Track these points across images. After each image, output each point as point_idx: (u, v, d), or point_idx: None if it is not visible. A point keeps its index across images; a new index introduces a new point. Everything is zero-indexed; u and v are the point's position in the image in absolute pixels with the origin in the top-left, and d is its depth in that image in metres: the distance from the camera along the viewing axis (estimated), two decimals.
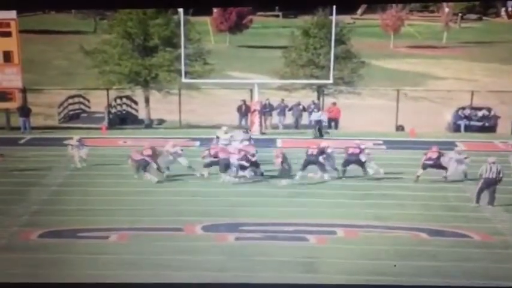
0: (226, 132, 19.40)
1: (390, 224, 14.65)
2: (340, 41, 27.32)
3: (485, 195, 15.76)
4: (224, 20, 41.06)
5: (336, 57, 25.61)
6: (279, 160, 17.49)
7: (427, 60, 38.61)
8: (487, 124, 25.97)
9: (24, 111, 24.47)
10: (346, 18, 35.53)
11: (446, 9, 42.60)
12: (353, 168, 17.92)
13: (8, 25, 23.60)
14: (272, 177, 17.73)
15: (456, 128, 26.00)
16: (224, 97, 29.07)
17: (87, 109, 28.64)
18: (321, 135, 22.75)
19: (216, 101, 29.19)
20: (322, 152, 17.86)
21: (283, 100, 26.30)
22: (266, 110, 25.52)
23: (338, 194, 16.67)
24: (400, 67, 37.20)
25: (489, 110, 26.38)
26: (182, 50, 24.28)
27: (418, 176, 17.69)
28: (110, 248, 13.37)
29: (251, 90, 25.32)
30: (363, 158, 17.78)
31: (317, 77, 27.89)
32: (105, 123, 26.06)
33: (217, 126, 21.39)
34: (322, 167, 17.76)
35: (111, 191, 16.65)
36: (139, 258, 12.70)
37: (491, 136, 24.19)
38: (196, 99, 28.48)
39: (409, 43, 41.81)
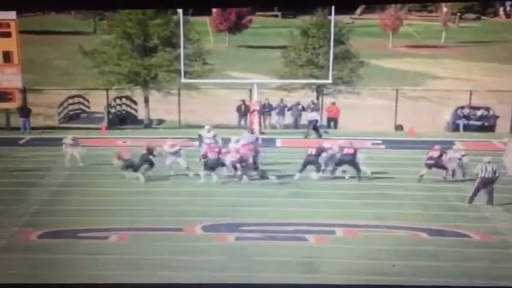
0: (209, 131, 19.42)
1: (390, 223, 14.65)
2: (339, 41, 27.35)
3: (483, 195, 15.78)
4: (223, 20, 41.05)
5: (335, 57, 25.64)
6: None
7: (425, 60, 38.62)
8: (485, 123, 26.02)
9: (24, 111, 24.49)
10: (345, 18, 35.53)
11: (445, 9, 42.59)
12: (349, 169, 17.96)
13: (8, 25, 23.65)
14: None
15: (455, 128, 26.04)
16: (224, 97, 29.09)
17: (86, 109, 28.67)
18: (319, 135, 22.73)
19: (215, 101, 29.21)
20: (321, 152, 17.87)
21: (282, 100, 26.32)
22: (265, 110, 25.55)
23: (337, 194, 16.68)
24: (399, 67, 37.22)
25: (488, 109, 26.44)
26: (181, 50, 24.29)
27: (421, 176, 17.68)
28: (109, 248, 13.38)
29: (250, 90, 25.34)
30: (360, 158, 17.78)
31: (316, 77, 27.91)
32: (104, 123, 26.08)
33: (218, 127, 21.42)
34: (318, 167, 17.76)
35: (111, 191, 16.66)
36: (139, 258, 12.71)
37: (490, 135, 24.22)
38: (196, 99, 28.49)
39: (408, 43, 41.81)
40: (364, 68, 28.84)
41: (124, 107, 28.37)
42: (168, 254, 12.90)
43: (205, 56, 28.27)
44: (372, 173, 17.89)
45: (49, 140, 21.87)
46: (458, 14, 45.42)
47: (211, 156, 17.65)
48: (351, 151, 17.80)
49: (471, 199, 15.84)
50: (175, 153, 18.23)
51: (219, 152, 17.79)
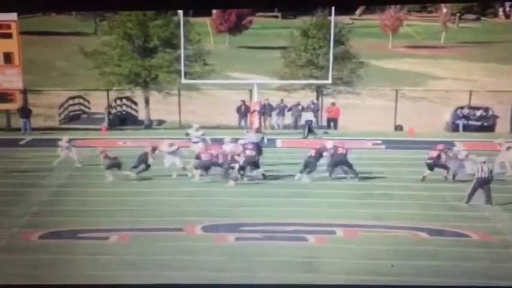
0: (197, 130, 19.42)
1: (390, 223, 14.66)
2: (339, 42, 27.39)
3: (480, 195, 15.80)
4: (224, 21, 41.07)
5: (335, 58, 25.70)
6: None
7: (425, 60, 38.62)
8: (485, 124, 26.04)
9: (25, 112, 24.52)
10: (345, 19, 35.55)
11: (444, 10, 42.59)
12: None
13: (9, 27, 23.70)
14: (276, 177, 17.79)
15: (454, 128, 26.06)
16: (224, 98, 29.10)
17: (87, 110, 28.72)
18: (314, 135, 22.74)
19: (215, 101, 29.22)
20: (321, 154, 17.89)
21: (282, 100, 26.36)
22: (265, 110, 25.57)
23: (337, 194, 16.70)
24: (399, 67, 37.21)
25: (487, 109, 26.45)
26: (182, 51, 24.35)
27: (424, 176, 17.70)
28: (110, 248, 13.39)
29: (250, 91, 25.38)
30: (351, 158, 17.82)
31: (316, 78, 27.93)
32: (105, 124, 26.12)
33: (218, 127, 21.45)
34: (311, 170, 17.72)
35: (110, 192, 16.69)
36: (139, 258, 12.72)
37: (489, 136, 24.22)
38: (196, 100, 28.50)
39: (408, 43, 41.79)
40: (364, 69, 28.85)
41: (124, 107, 28.41)
42: (168, 254, 12.91)
43: (206, 57, 28.29)
44: (359, 173, 17.84)
45: (49, 141, 21.82)
46: (458, 14, 45.41)
47: (205, 157, 17.68)
48: (344, 151, 17.86)
49: (468, 199, 15.86)
50: (173, 153, 18.23)
51: (216, 156, 17.80)
